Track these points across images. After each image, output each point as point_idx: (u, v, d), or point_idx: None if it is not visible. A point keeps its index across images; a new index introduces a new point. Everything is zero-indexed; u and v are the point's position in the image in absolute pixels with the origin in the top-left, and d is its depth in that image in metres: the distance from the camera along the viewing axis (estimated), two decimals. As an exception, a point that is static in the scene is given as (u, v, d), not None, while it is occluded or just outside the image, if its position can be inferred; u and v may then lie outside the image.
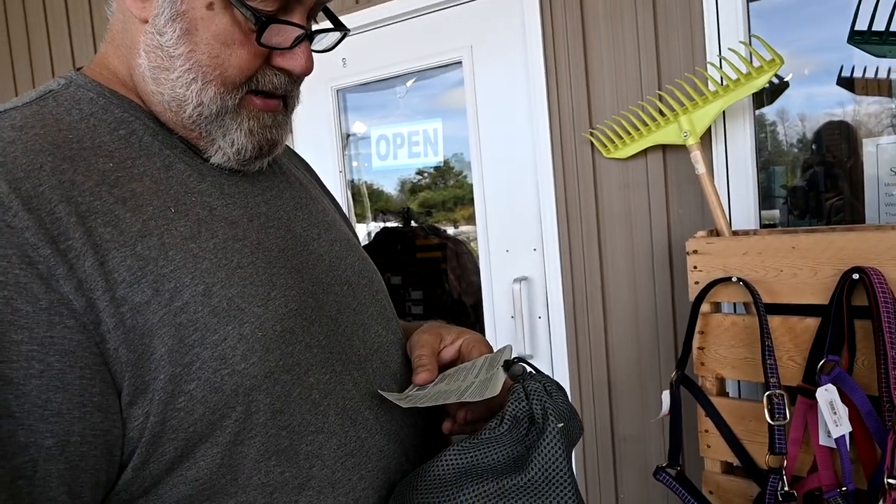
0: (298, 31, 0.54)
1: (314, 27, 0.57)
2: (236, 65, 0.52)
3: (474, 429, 0.65)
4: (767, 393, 1.02)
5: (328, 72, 2.01)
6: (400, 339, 0.68)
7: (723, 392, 1.21)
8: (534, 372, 0.58)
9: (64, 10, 2.60)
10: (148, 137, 0.53)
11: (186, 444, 0.47)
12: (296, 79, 0.57)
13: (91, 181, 0.47)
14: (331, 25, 0.61)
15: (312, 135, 2.08)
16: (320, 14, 0.60)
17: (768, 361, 1.04)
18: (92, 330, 0.43)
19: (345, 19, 1.89)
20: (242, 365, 0.48)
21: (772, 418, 1.00)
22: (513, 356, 0.59)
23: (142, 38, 0.53)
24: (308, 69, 0.56)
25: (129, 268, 0.45)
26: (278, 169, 0.66)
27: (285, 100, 0.59)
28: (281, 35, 0.53)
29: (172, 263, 0.48)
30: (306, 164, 0.80)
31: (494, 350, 0.66)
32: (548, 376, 0.57)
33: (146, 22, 0.52)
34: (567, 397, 0.57)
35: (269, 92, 0.56)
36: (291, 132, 2.09)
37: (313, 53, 0.57)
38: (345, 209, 2.06)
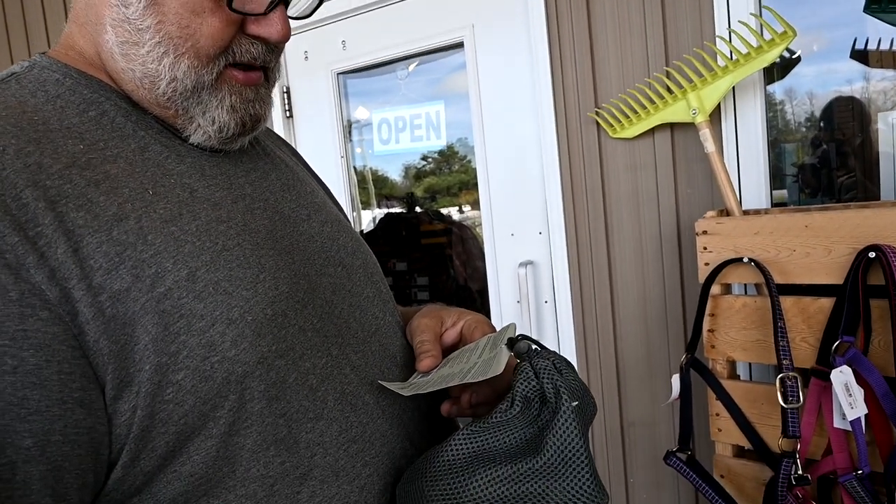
0: None
1: None
2: (208, 34, 0.49)
3: (477, 412, 0.63)
4: (780, 375, 0.99)
5: (328, 55, 1.98)
6: (398, 320, 0.66)
7: (734, 375, 1.18)
8: (539, 349, 0.55)
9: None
10: (120, 118, 0.51)
11: (178, 437, 0.45)
12: (273, 47, 0.55)
13: (60, 164, 0.44)
14: None
15: (313, 120, 2.05)
16: None
17: (781, 343, 1.01)
18: (68, 321, 0.41)
19: (343, 0, 1.85)
20: (233, 351, 0.46)
21: (785, 401, 0.98)
22: (517, 334, 0.57)
23: (107, 12, 0.50)
24: (286, 35, 0.53)
25: (105, 254, 0.43)
26: (261, 150, 0.63)
27: (266, 72, 0.56)
28: (254, 1, 0.51)
29: (152, 248, 0.45)
30: (290, 146, 0.77)
31: (497, 329, 0.64)
32: (555, 352, 0.55)
33: None
34: (576, 374, 0.55)
35: (248, 64, 0.53)
36: (292, 116, 2.06)
37: (291, 22, 0.55)
38: (348, 195, 2.04)
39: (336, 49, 1.96)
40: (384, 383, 0.57)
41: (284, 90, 2.06)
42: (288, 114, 2.08)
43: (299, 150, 2.14)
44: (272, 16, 0.52)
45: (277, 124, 2.07)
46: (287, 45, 0.56)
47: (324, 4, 1.94)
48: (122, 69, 0.51)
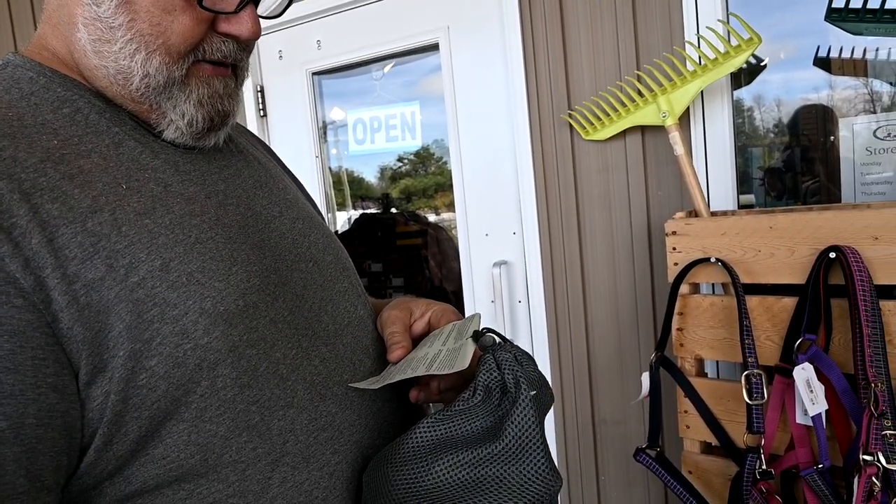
0: None
1: None
2: (179, 32, 0.51)
3: (445, 398, 0.65)
4: (745, 373, 1.02)
5: (303, 55, 1.97)
6: (370, 313, 0.68)
7: (702, 373, 1.21)
8: (503, 342, 0.57)
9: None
10: (94, 115, 0.52)
11: (151, 422, 0.46)
12: (244, 45, 0.56)
13: (34, 158, 0.45)
14: None
15: (288, 120, 2.04)
16: None
17: (746, 341, 1.04)
18: (42, 309, 0.42)
19: (318, 0, 1.85)
20: (205, 339, 0.47)
21: (750, 398, 1.01)
22: (481, 326, 0.59)
23: (79, 11, 0.51)
24: (256, 33, 0.54)
25: (80, 244, 0.44)
26: (235, 148, 0.65)
27: (235, 70, 0.57)
28: None
29: (126, 239, 0.46)
30: (265, 144, 0.79)
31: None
32: (517, 346, 0.57)
33: None
34: (536, 366, 0.57)
35: (218, 61, 0.54)
36: (266, 115, 2.05)
37: (264, 21, 0.57)
38: (323, 195, 2.03)
39: (311, 48, 1.95)
40: (354, 385, 0.58)
41: (258, 89, 2.05)
42: (262, 113, 2.06)
43: (273, 149, 2.12)
44: (242, 14, 0.53)
45: (251, 123, 2.05)
46: (261, 43, 0.57)
47: (298, 3, 1.92)
48: (95, 66, 0.52)
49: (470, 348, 0.55)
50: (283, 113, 2.05)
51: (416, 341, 0.65)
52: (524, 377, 0.53)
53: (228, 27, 0.53)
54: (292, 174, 0.78)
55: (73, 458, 0.44)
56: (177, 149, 0.56)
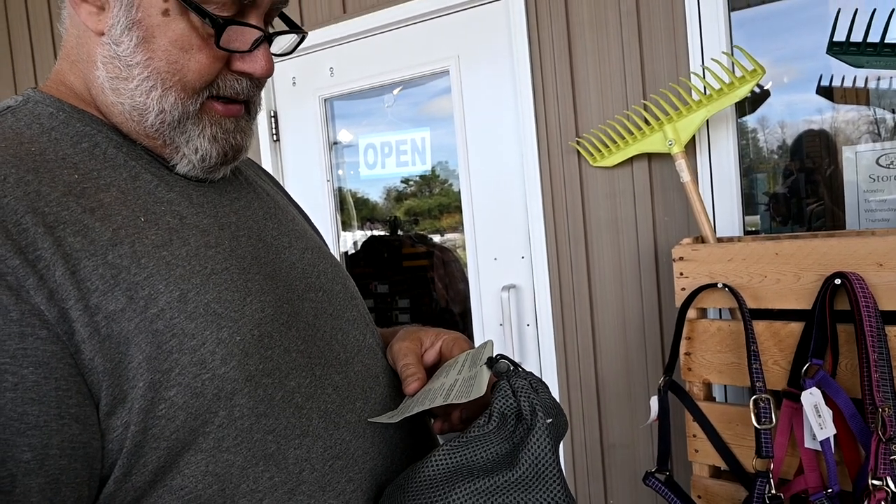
0: (257, 34, 0.54)
1: (272, 31, 0.58)
2: (195, 69, 0.52)
3: (468, 426, 0.66)
4: (754, 397, 1.03)
5: (316, 81, 2.01)
6: (378, 342, 0.68)
7: (710, 397, 1.22)
8: (517, 368, 0.58)
9: (27, 33, 2.58)
10: (112, 150, 0.53)
11: (169, 452, 0.46)
12: (257, 82, 0.58)
13: (57, 192, 0.47)
14: (288, 29, 0.61)
15: (299, 144, 2.08)
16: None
17: (754, 366, 1.05)
18: (66, 340, 0.43)
19: (332, 28, 1.90)
20: (223, 369, 0.48)
21: (758, 422, 1.02)
22: (494, 353, 0.60)
23: (98, 49, 0.53)
24: (269, 71, 0.56)
25: (101, 276, 0.45)
26: (245, 181, 0.66)
27: (248, 105, 0.59)
28: (239, 39, 0.54)
29: (145, 271, 0.47)
30: (271, 176, 0.80)
31: (475, 346, 0.67)
32: (531, 373, 0.58)
33: (102, 34, 0.52)
34: (551, 392, 0.58)
35: (231, 98, 0.56)
36: (279, 140, 2.09)
37: (273, 57, 0.58)
38: (334, 219, 2.06)
39: (324, 75, 2.00)
40: (373, 419, 0.59)
41: (272, 114, 2.09)
42: (275, 137, 2.10)
43: (285, 173, 2.17)
44: (256, 53, 0.55)
45: (264, 148, 2.10)
46: (276, 70, 0.59)
47: (313, 32, 1.97)
48: (112, 103, 0.53)
49: (485, 375, 0.55)
50: (296, 137, 2.09)
51: (429, 371, 0.65)
52: (540, 404, 0.53)
53: (242, 65, 0.55)
54: (297, 204, 0.80)
55: (93, 488, 0.45)
56: (189, 181, 0.57)
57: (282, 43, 0.60)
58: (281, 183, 2.07)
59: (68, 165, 0.49)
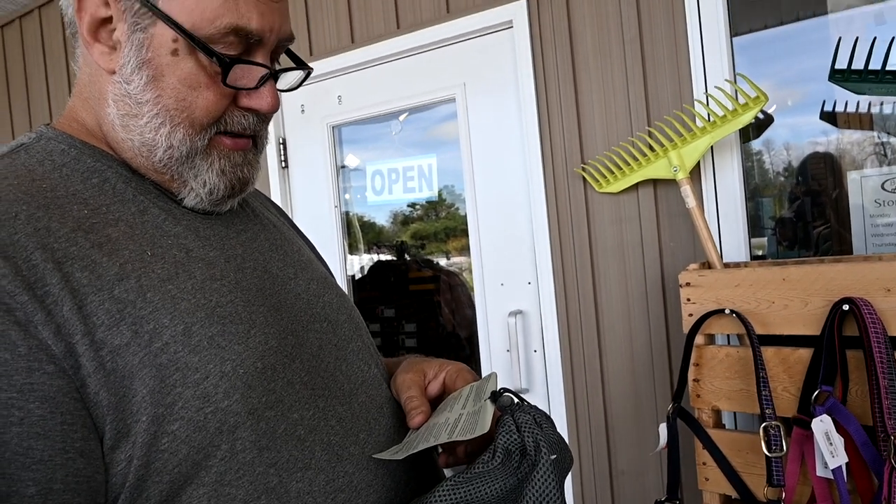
0: (263, 71, 0.56)
1: (277, 67, 0.59)
2: (203, 107, 0.54)
3: (473, 460, 0.65)
4: (763, 424, 1.02)
5: (324, 109, 2.05)
6: (383, 373, 0.69)
7: (719, 424, 1.21)
8: (521, 403, 0.58)
9: (43, 70, 2.65)
10: (121, 184, 0.55)
11: (172, 486, 0.46)
12: (263, 117, 0.59)
13: (66, 227, 0.48)
14: (294, 65, 0.63)
15: (308, 171, 2.11)
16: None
17: (763, 393, 1.04)
18: (72, 375, 0.43)
19: (341, 58, 1.94)
20: (225, 402, 0.48)
21: (769, 450, 1.01)
22: (498, 386, 0.60)
23: (110, 87, 0.55)
24: (274, 107, 0.57)
25: (107, 311, 0.46)
26: (251, 212, 0.67)
27: (255, 139, 0.60)
28: (246, 76, 0.55)
29: (151, 305, 0.48)
30: (278, 206, 0.81)
31: (479, 377, 0.67)
32: (535, 407, 0.58)
33: (113, 73, 0.54)
34: (555, 428, 0.58)
35: (239, 133, 0.57)
36: (287, 166, 2.12)
37: (279, 92, 0.59)
38: (339, 243, 2.08)
39: (332, 103, 2.03)
40: (378, 455, 0.59)
41: (281, 141, 2.12)
42: (284, 164, 2.13)
43: (293, 199, 2.18)
44: (262, 89, 0.56)
45: (273, 174, 2.12)
46: (285, 98, 0.61)
47: (321, 61, 2.00)
48: (122, 139, 0.55)
49: (489, 411, 0.55)
50: (304, 164, 2.11)
51: (433, 402, 0.65)
52: (544, 440, 0.53)
53: (249, 101, 0.56)
54: (304, 235, 0.81)
55: None
56: (196, 214, 0.58)
57: (288, 79, 0.62)
58: (289, 209, 2.10)
59: (78, 201, 0.51)
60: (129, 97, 0.54)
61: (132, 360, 0.45)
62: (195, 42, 0.52)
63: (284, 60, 0.63)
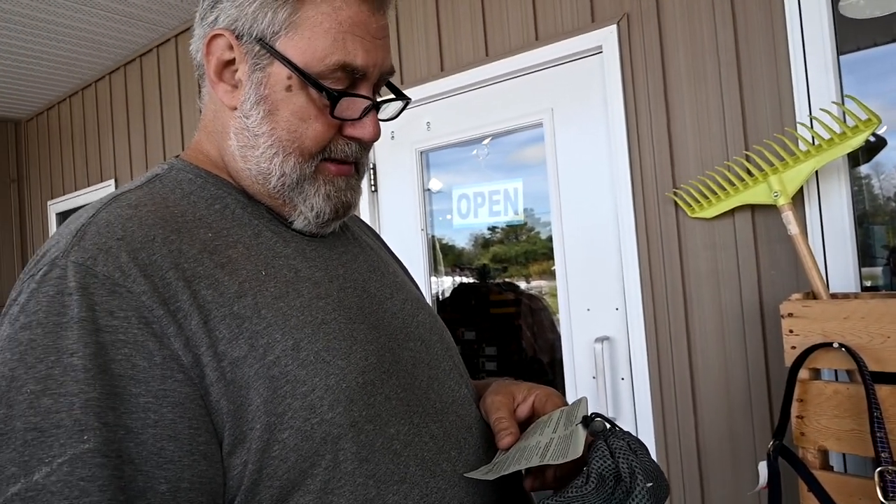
0: (366, 103, 0.60)
1: (379, 99, 0.64)
2: (312, 137, 0.59)
3: (561, 485, 0.65)
4: (879, 469, 0.95)
5: (413, 135, 2.11)
6: (472, 393, 0.70)
7: (826, 465, 1.13)
8: (614, 428, 0.57)
9: (158, 107, 2.88)
10: (239, 210, 0.60)
11: (281, 491, 0.50)
12: (366, 146, 0.64)
13: (195, 249, 0.53)
14: (394, 96, 0.67)
15: (396, 195, 2.18)
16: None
17: (878, 434, 0.97)
18: (198, 383, 0.48)
19: (430, 86, 2.00)
20: (330, 414, 0.51)
21: (885, 497, 0.93)
22: (589, 411, 0.59)
23: (231, 122, 0.61)
24: (376, 136, 0.62)
25: (228, 326, 0.50)
26: (351, 236, 0.72)
27: (357, 166, 0.65)
28: (351, 108, 0.60)
29: (265, 321, 0.52)
30: (374, 231, 0.86)
31: (568, 402, 0.66)
32: (629, 432, 0.57)
33: (235, 109, 0.60)
34: (650, 455, 0.56)
35: (342, 160, 0.62)
36: (377, 190, 2.19)
37: (380, 122, 0.63)
38: (425, 265, 2.12)
39: (421, 129, 2.09)
40: (469, 474, 0.60)
41: (371, 166, 2.20)
42: (373, 189, 2.21)
43: (382, 222, 2.26)
44: (366, 119, 0.61)
45: (363, 198, 2.20)
46: None
47: (412, 89, 2.09)
48: (241, 168, 0.61)
49: (582, 435, 0.55)
50: (393, 188, 2.18)
51: (522, 425, 0.66)
52: (639, 466, 0.53)
53: (353, 131, 0.61)
54: (397, 257, 0.85)
55: None
56: (303, 237, 0.63)
57: (389, 109, 0.67)
58: (378, 231, 2.17)
59: (203, 225, 0.56)
60: (248, 130, 0.59)
61: (248, 371, 0.49)
62: (307, 78, 0.57)
63: (385, 92, 0.67)
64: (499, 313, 2.24)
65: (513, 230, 2.09)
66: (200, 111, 0.67)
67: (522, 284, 2.14)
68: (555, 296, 1.85)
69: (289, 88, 0.58)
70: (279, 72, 0.58)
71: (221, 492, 0.49)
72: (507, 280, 2.19)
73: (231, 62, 0.60)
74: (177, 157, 0.65)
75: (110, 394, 0.44)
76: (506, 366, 2.21)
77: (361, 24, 0.59)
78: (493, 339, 2.26)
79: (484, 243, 2.19)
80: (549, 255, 1.84)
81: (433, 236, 2.20)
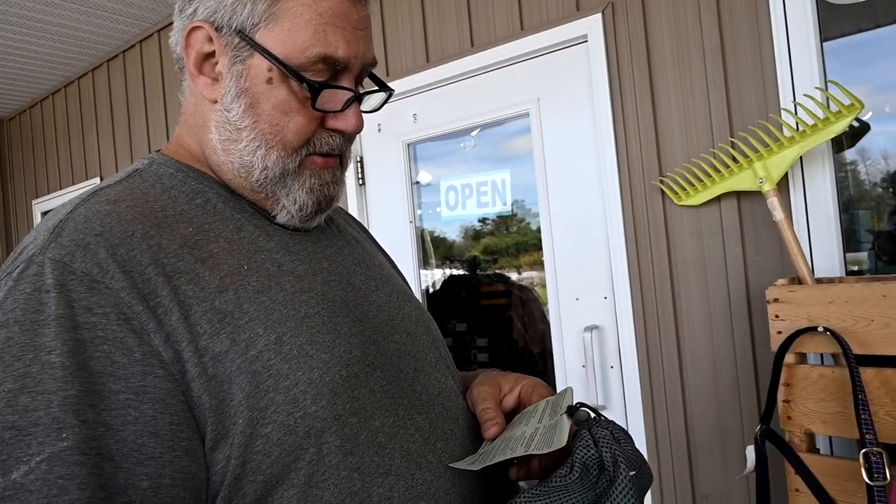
0: (348, 94, 0.60)
1: (361, 90, 0.63)
2: (294, 129, 0.59)
3: (546, 475, 0.65)
4: (864, 450, 0.96)
5: (400, 127, 2.10)
6: (459, 384, 0.70)
7: (813, 448, 1.14)
8: (598, 417, 0.58)
9: (143, 103, 2.86)
10: (221, 204, 0.60)
11: (265, 486, 0.50)
12: (349, 138, 0.63)
13: (175, 244, 0.53)
14: (376, 87, 0.67)
15: (383, 187, 2.17)
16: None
17: (863, 416, 0.98)
18: (179, 379, 0.47)
19: (416, 77, 1.99)
20: (313, 408, 0.51)
21: (870, 478, 0.95)
22: (574, 401, 0.59)
23: (212, 115, 0.60)
24: (359, 128, 0.62)
25: (209, 321, 0.50)
26: (336, 229, 0.71)
27: (341, 158, 0.65)
28: (333, 100, 0.59)
29: (247, 315, 0.52)
30: (359, 223, 0.85)
31: (554, 392, 0.66)
32: (613, 422, 0.57)
33: (215, 102, 0.60)
34: (634, 443, 0.57)
35: (327, 153, 0.62)
36: (364, 183, 2.18)
37: (363, 113, 0.63)
38: (413, 258, 2.12)
39: (407, 121, 2.08)
40: (454, 465, 0.60)
41: (358, 159, 2.19)
42: (360, 181, 2.20)
43: (370, 215, 2.25)
44: (348, 111, 0.61)
45: (351, 191, 2.19)
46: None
47: (398, 81, 2.08)
48: (223, 162, 0.60)
49: (566, 425, 0.55)
50: (380, 181, 2.17)
51: (508, 416, 0.66)
52: (622, 455, 0.53)
53: (336, 123, 0.61)
54: (383, 249, 0.85)
55: None
56: (286, 231, 0.63)
57: (371, 101, 0.66)
58: (365, 224, 2.17)
59: (184, 220, 0.56)
60: (230, 124, 0.59)
61: (230, 366, 0.49)
62: (288, 70, 0.57)
63: (368, 84, 0.66)
64: (489, 304, 2.24)
65: (503, 221, 2.08)
66: (181, 105, 0.66)
67: (514, 275, 2.14)
68: (546, 286, 1.85)
69: (269, 81, 0.57)
70: (259, 64, 0.57)
71: (204, 487, 0.48)
72: (497, 271, 2.20)
73: (211, 55, 0.59)
74: (158, 151, 0.64)
75: (89, 391, 0.44)
76: (497, 357, 2.22)
77: (342, 15, 0.58)
78: (485, 330, 2.26)
79: (475, 235, 2.18)
80: (539, 246, 1.84)
81: (423, 229, 2.20)
